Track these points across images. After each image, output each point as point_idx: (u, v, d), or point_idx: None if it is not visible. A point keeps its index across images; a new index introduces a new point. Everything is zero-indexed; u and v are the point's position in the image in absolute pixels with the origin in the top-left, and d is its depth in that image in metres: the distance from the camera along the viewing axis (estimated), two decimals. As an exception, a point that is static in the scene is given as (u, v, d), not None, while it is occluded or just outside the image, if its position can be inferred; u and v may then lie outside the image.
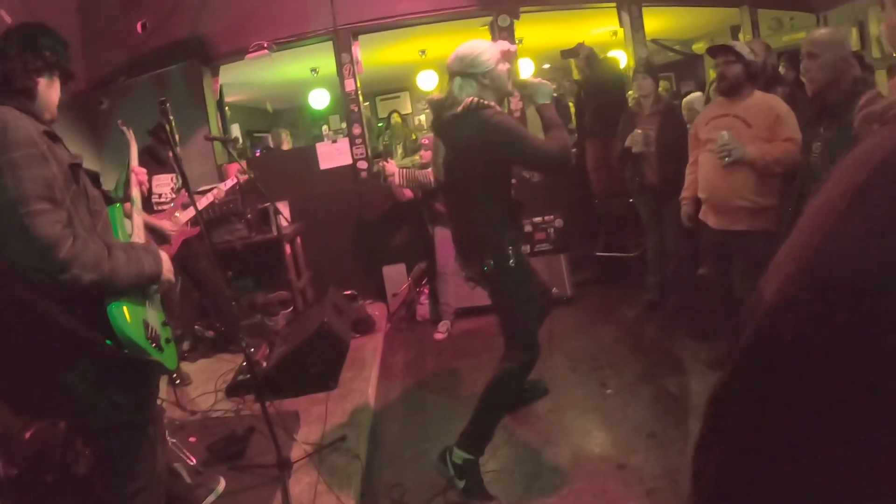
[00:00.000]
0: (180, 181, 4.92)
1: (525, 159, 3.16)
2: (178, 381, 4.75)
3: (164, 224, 4.80)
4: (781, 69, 5.29)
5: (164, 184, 4.94)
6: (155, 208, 4.84)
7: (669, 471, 3.08)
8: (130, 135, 3.13)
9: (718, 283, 4.04)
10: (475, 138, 3.06)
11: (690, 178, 4.15)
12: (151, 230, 4.70)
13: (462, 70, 3.13)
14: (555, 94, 10.65)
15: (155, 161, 4.78)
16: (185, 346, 5.39)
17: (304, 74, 9.26)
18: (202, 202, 5.02)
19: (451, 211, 3.50)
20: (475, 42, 3.19)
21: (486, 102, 3.08)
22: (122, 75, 6.28)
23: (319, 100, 10.15)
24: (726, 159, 3.59)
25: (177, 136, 4.41)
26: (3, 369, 2.10)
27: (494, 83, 3.15)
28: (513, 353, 3.26)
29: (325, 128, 8.58)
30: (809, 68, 3.12)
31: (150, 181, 4.55)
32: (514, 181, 3.31)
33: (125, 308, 2.03)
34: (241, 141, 8.50)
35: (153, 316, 2.24)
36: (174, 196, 4.95)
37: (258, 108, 12.07)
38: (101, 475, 2.34)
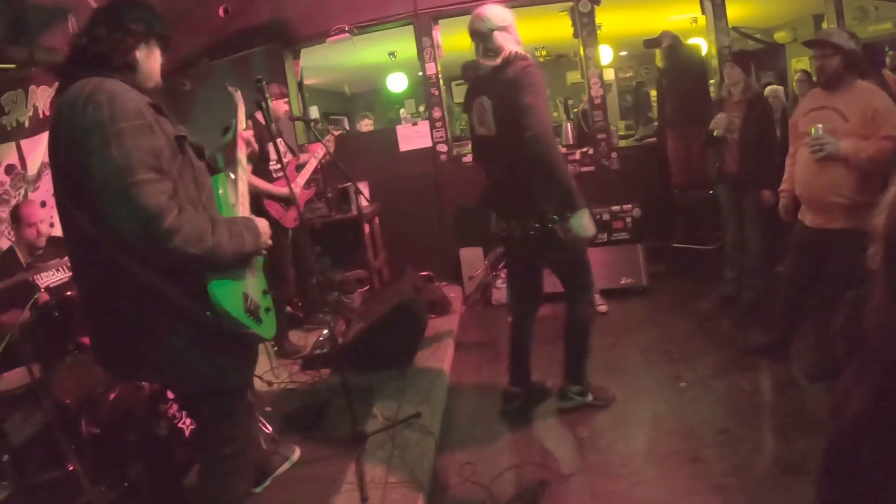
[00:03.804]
0: (287, 146, 5.12)
1: (527, 118, 3.14)
2: (275, 348, 4.89)
3: (286, 190, 4.90)
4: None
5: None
6: (274, 175, 4.96)
7: (740, 467, 3.05)
8: (238, 97, 3.10)
9: (794, 280, 3.99)
10: (514, 87, 3.19)
11: (789, 170, 4.02)
12: (276, 198, 4.86)
13: (498, 25, 3.32)
14: (636, 82, 10.45)
15: (264, 129, 4.89)
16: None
17: (382, 58, 9.31)
18: (303, 175, 5.17)
19: (501, 167, 3.52)
20: (488, 5, 3.42)
21: (523, 54, 3.30)
22: (204, 58, 6.44)
23: (397, 83, 10.23)
24: (819, 154, 3.49)
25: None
26: (105, 332, 2.11)
27: (517, 37, 3.36)
28: (580, 296, 3.67)
29: (402, 111, 8.70)
30: None
31: (262, 149, 4.69)
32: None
33: (225, 284, 2.05)
34: (321, 122, 8.66)
35: (253, 285, 2.24)
36: (288, 160, 5.06)
37: (334, 91, 12.22)
38: (199, 439, 2.37)
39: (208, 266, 2.00)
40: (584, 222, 3.24)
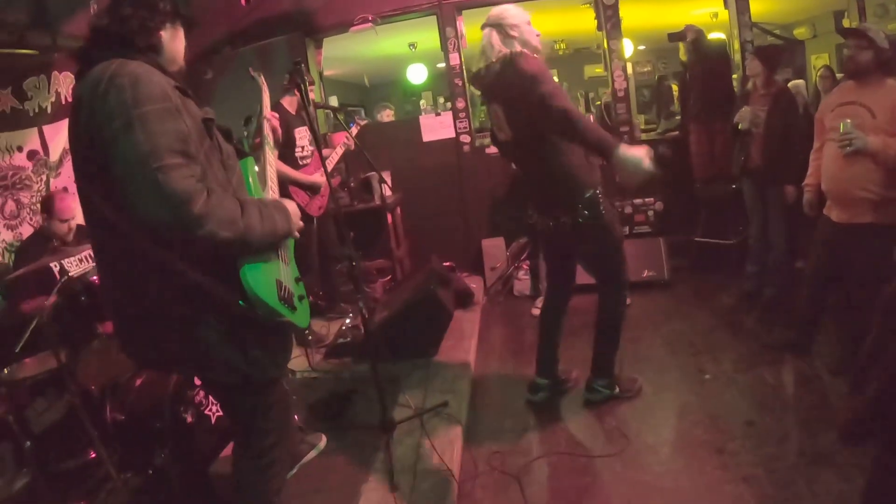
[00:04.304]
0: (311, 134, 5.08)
1: (547, 104, 3.08)
2: (310, 337, 4.91)
3: (316, 178, 4.96)
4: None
5: (303, 136, 5.05)
6: (300, 162, 4.98)
7: (767, 459, 3.06)
8: (262, 81, 3.07)
9: (817, 275, 3.99)
10: (518, 89, 3.23)
11: (814, 164, 4.02)
12: (303, 186, 4.88)
13: (493, 22, 3.39)
14: (658, 76, 10.30)
15: (290, 115, 4.92)
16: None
17: (402, 49, 9.30)
18: (332, 160, 5.21)
19: (527, 167, 3.64)
20: (504, 5, 3.47)
21: (518, 51, 3.31)
22: (226, 46, 6.41)
23: (418, 75, 10.20)
24: (847, 149, 3.48)
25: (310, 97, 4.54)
26: (131, 322, 2.03)
27: (522, 37, 3.34)
28: (613, 292, 3.69)
29: (422, 102, 8.70)
30: None
31: (288, 135, 4.69)
32: None
33: (258, 270, 1.96)
34: (343, 114, 8.70)
35: (286, 273, 2.16)
36: (313, 148, 5.06)
37: (351, 83, 12.20)
38: (235, 432, 2.32)
39: (240, 250, 1.92)
40: (630, 158, 2.90)
